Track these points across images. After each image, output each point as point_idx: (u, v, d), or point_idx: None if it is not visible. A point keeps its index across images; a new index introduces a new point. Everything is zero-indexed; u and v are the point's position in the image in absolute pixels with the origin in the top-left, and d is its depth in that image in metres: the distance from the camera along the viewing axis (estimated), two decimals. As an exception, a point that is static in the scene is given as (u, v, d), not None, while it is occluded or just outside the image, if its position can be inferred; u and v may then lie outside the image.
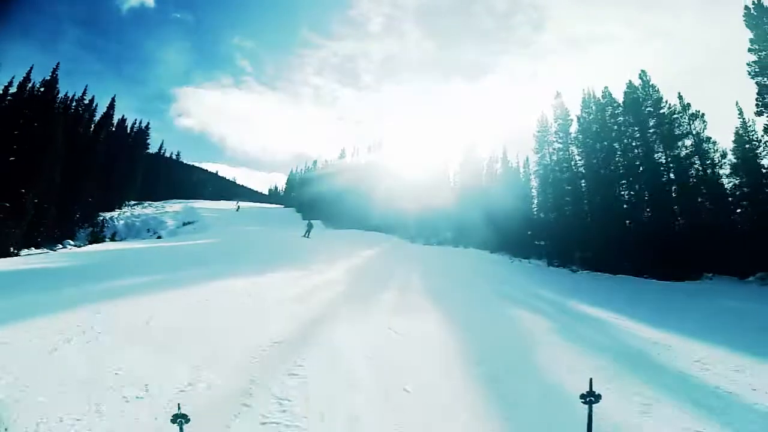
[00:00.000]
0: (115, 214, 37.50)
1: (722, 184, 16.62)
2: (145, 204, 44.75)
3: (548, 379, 3.61)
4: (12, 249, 21.18)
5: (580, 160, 20.23)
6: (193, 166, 65.57)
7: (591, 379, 1.87)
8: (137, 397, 2.74)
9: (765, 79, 14.15)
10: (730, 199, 16.61)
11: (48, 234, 26.18)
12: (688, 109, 17.86)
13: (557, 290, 9.34)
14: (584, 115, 20.51)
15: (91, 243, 28.68)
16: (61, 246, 27.79)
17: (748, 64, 14.72)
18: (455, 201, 28.47)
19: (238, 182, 75.09)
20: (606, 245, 17.34)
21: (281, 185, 77.78)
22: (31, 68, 27.33)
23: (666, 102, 18.01)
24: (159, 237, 25.04)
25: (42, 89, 27.72)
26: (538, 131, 22.17)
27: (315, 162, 52.97)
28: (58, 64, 26.87)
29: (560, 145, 21.38)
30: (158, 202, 47.38)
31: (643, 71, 18.34)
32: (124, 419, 2.50)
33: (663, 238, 15.95)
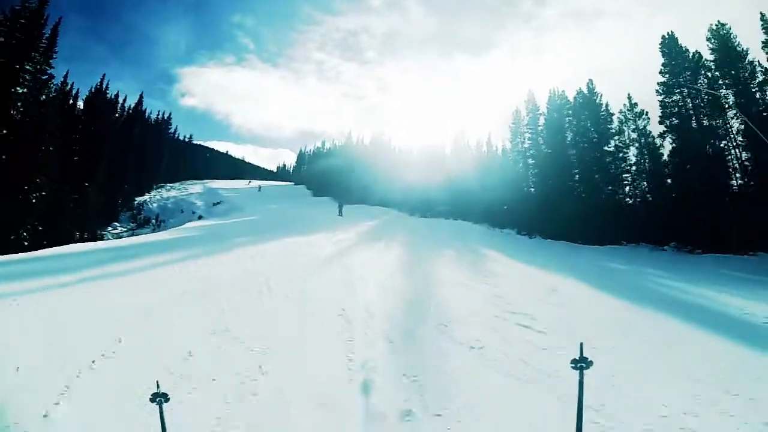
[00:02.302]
0: (146, 198, 45.04)
1: (657, 170, 22.69)
2: (168, 187, 52.19)
3: (434, 266, 10.63)
4: (88, 232, 28.96)
5: (545, 149, 26.64)
6: (204, 146, 73.32)
7: (582, 344, 1.98)
8: (308, 256, 9.83)
9: (666, 97, 20.34)
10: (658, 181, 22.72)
11: (99, 219, 34.09)
12: (635, 108, 23.84)
13: (489, 245, 16.28)
14: (550, 110, 26.77)
15: (138, 225, 36.45)
16: (111, 228, 35.86)
17: (657, 83, 20.84)
18: (449, 178, 34.81)
19: (247, 160, 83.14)
20: (557, 218, 23.93)
21: (289, 162, 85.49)
22: (67, 73, 34.62)
23: (606, 105, 24.15)
24: (200, 217, 32.22)
25: (92, 97, 34.93)
26: (513, 123, 28.60)
27: (323, 142, 59.96)
28: (105, 74, 33.86)
29: (530, 135, 27.80)
30: (177, 184, 54.79)
31: (590, 80, 24.55)
32: (290, 262, 9.51)
33: (597, 213, 22.41)
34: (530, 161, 27.78)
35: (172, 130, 57.31)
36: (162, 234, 16.41)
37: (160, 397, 1.95)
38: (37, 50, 22.96)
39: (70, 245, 13.72)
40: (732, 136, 20.06)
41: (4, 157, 20.95)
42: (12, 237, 20.94)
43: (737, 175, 20.00)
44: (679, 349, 4.73)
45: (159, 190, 49.59)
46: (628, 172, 24.06)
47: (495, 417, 3.07)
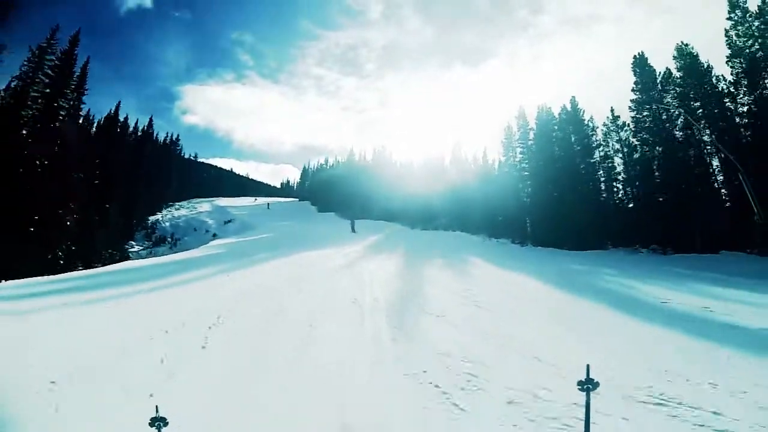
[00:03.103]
0: (158, 217, 48.42)
1: (638, 179, 25.74)
2: (177, 206, 55.62)
3: (425, 271, 13.68)
4: (115, 251, 32.20)
5: (534, 162, 29.75)
6: (209, 164, 77.41)
7: (588, 366, 2.10)
8: (324, 266, 12.92)
9: (638, 114, 23.47)
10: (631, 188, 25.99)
11: (118, 238, 37.38)
12: (617, 120, 27.01)
13: (477, 254, 19.30)
14: (539, 125, 29.94)
15: (154, 244, 39.61)
16: (129, 247, 39.01)
17: (630, 101, 24.02)
18: (448, 191, 37.97)
19: (251, 177, 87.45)
20: (547, 227, 26.95)
21: (292, 178, 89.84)
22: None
23: (591, 119, 27.33)
24: (214, 235, 35.48)
25: (108, 124, 38.61)
26: (505, 138, 31.80)
27: (326, 159, 63.66)
28: (120, 102, 37.57)
29: (521, 149, 30.97)
30: (185, 202, 58.27)
31: (573, 97, 27.81)
32: (311, 271, 12.58)
33: (582, 221, 25.39)
34: (522, 174, 30.87)
35: (178, 149, 60.92)
36: (194, 252, 19.56)
37: (159, 422, 2.04)
38: (68, 87, 26.58)
39: (122, 263, 16.97)
40: (702, 146, 23.07)
41: (45, 185, 24.31)
42: (49, 256, 24.20)
43: (715, 179, 22.98)
44: (570, 314, 7.77)
45: (169, 209, 53.06)
46: (615, 180, 27.19)
47: (442, 342, 6.11)
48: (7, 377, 4.55)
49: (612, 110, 27.28)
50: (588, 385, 2.16)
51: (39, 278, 12.56)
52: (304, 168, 72.10)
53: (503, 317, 7.54)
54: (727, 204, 21.64)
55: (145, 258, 31.71)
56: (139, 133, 51.02)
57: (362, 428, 3.54)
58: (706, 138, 22.91)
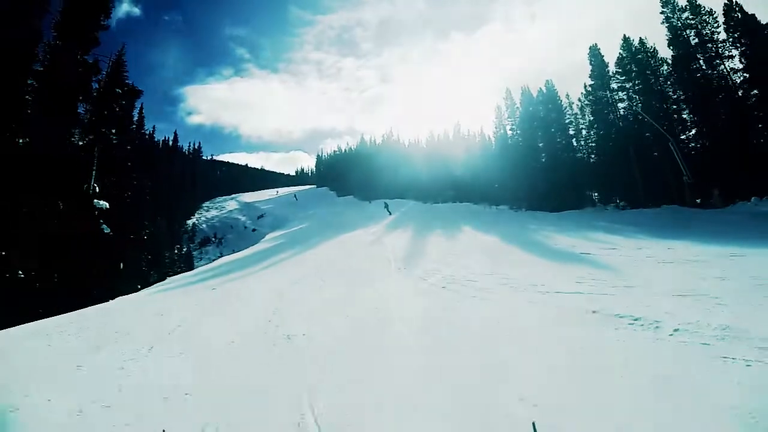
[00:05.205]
0: (194, 220, 58.05)
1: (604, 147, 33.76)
2: (205, 207, 65.34)
3: (427, 239, 22.52)
4: (180, 254, 41.69)
5: (520, 138, 37.89)
6: (225, 162, 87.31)
7: (534, 423, 2.51)
8: (359, 242, 21.92)
9: (592, 96, 31.37)
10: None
11: (171, 245, 46.82)
12: (590, 96, 34.70)
13: (471, 222, 28.03)
14: (524, 105, 37.94)
15: (200, 244, 49.08)
16: (176, 251, 48.30)
17: (587, 86, 31.87)
18: (453, 165, 46.24)
19: (266, 169, 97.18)
20: (536, 193, 35.29)
21: (306, 165, 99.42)
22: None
23: (567, 96, 35.25)
24: (254, 230, 44.88)
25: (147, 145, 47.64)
26: (495, 118, 40.00)
27: (339, 147, 72.47)
28: (154, 126, 46.74)
29: (510, 125, 39.12)
30: (208, 203, 68.02)
31: (548, 80, 35.80)
32: (353, 244, 21.48)
33: (560, 185, 33.66)
34: (514, 147, 39.08)
35: (201, 155, 69.98)
36: (266, 244, 28.87)
37: None
38: (132, 124, 35.65)
39: (220, 259, 26.22)
40: (645, 120, 30.79)
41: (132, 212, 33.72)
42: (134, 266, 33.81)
43: (656, 147, 30.75)
44: (496, 252, 16.57)
45: (200, 211, 62.79)
46: (591, 150, 35.23)
47: (427, 267, 14.99)
48: (263, 291, 13.57)
49: (585, 86, 35.04)
50: None
51: (181, 275, 21.90)
52: (318, 156, 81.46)
53: (460, 256, 16.36)
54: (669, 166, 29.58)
55: (200, 259, 41.54)
56: (169, 144, 59.98)
57: (389, 289, 12.51)
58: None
